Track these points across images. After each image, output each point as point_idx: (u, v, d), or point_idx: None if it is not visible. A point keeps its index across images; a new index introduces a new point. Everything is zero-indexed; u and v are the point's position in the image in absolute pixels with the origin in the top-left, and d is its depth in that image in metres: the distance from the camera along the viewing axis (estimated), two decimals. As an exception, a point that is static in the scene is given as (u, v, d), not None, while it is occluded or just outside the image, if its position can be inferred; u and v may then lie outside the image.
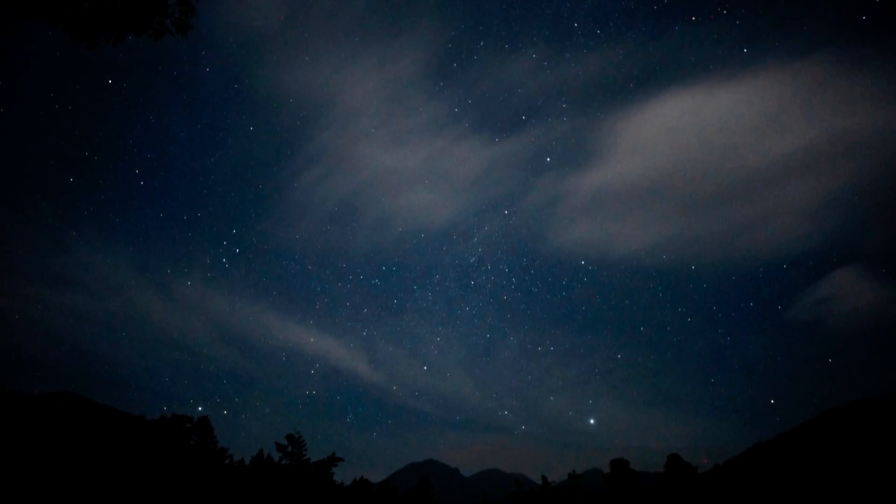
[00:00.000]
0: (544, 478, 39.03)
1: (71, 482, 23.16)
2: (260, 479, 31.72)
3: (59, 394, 39.26)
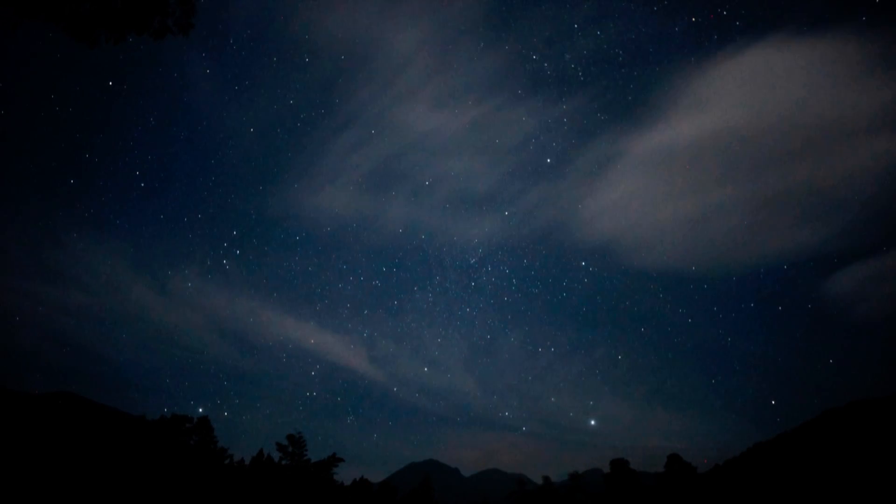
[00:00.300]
0: (546, 478, 39.09)
1: (71, 482, 23.13)
2: (260, 480, 31.71)
3: (59, 394, 39.23)
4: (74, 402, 37.27)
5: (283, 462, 33.29)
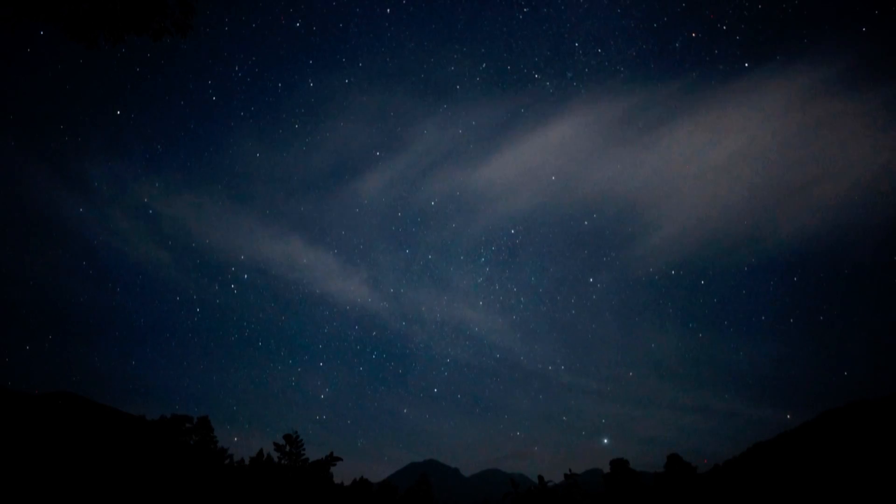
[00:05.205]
0: (541, 477, 38.95)
1: (71, 482, 23.18)
2: (259, 480, 31.75)
3: (59, 394, 39.31)
4: (74, 402, 37.32)
5: (283, 462, 33.31)
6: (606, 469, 41.34)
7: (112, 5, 7.13)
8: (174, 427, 32.45)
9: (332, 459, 33.73)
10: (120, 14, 7.20)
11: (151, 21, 7.41)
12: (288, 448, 32.93)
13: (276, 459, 33.67)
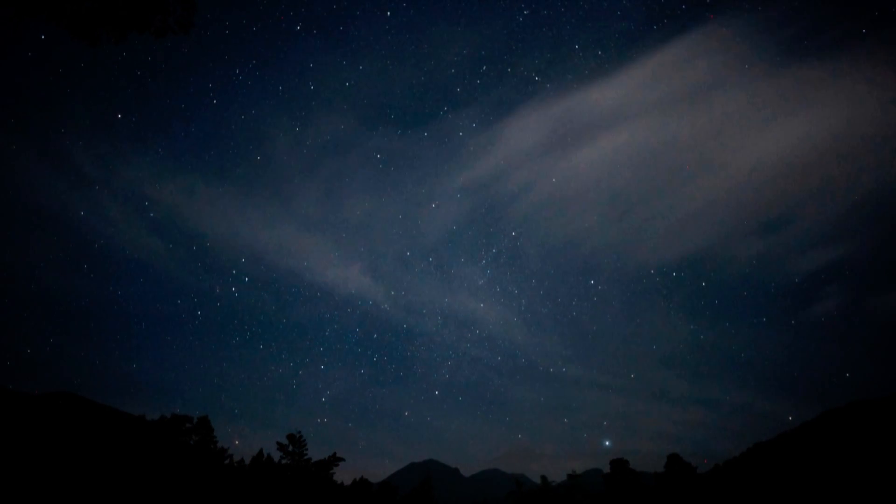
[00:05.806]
0: (543, 478, 39.02)
1: (71, 482, 23.13)
2: (260, 480, 31.70)
3: (59, 394, 39.22)
4: (74, 402, 37.23)
5: (284, 461, 33.27)
6: (607, 469, 41.35)
7: (114, 3, 7.10)
8: (174, 427, 32.37)
9: (334, 460, 33.78)
10: (122, 12, 7.17)
11: (154, 18, 7.39)
12: (291, 448, 32.93)
13: (277, 459, 33.65)
